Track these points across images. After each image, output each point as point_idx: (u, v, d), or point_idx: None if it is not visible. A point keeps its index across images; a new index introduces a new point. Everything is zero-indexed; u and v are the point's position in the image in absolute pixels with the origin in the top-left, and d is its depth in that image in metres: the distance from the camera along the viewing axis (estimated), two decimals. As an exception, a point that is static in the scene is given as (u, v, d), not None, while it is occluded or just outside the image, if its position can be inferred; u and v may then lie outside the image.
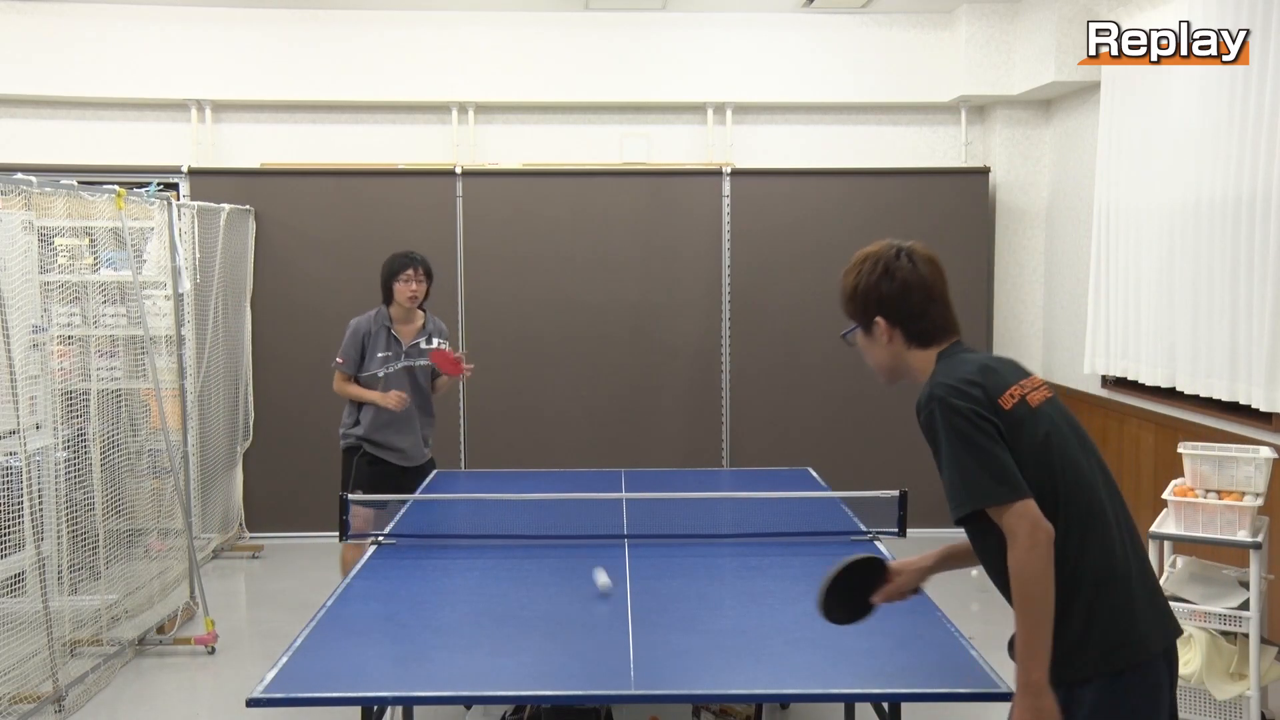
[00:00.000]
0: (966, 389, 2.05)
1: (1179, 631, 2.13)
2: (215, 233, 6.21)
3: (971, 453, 2.01)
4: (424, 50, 6.86)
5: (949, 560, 2.39)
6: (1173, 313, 5.11)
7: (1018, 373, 2.16)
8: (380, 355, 4.78)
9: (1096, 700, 1.99)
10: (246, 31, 6.79)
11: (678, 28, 6.94)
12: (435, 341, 4.85)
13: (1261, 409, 4.43)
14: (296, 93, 6.84)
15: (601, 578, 3.17)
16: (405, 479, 4.83)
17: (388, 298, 4.81)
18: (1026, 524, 1.95)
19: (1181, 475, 4.05)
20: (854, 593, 2.37)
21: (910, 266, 2.18)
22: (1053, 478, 2.03)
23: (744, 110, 7.10)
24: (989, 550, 2.08)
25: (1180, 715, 2.27)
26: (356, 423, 4.84)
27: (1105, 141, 5.76)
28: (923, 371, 2.20)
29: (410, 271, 4.75)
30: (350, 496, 3.85)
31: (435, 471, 5.16)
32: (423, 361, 4.83)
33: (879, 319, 2.20)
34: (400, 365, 4.80)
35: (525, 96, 6.92)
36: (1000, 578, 2.06)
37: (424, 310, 4.91)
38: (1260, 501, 3.84)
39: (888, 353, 2.24)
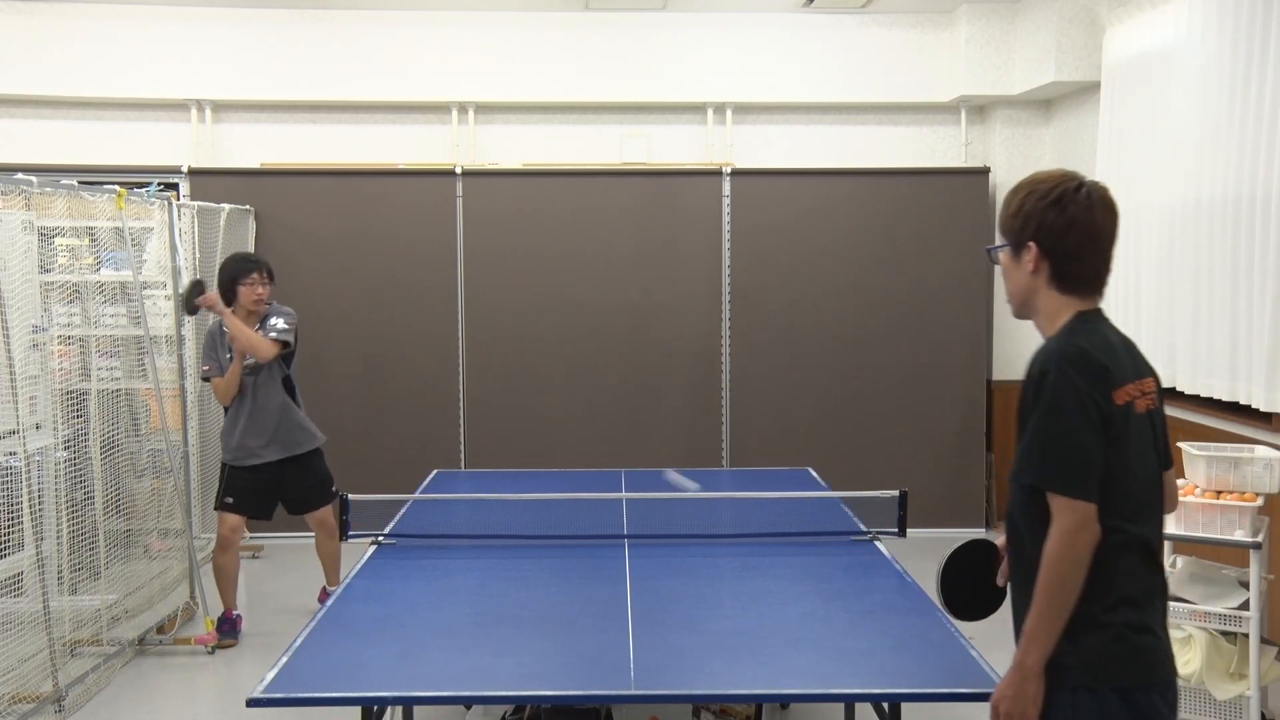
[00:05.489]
0: (1095, 368, 1.99)
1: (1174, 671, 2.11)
2: (215, 233, 6.20)
3: (1067, 433, 1.96)
4: (424, 50, 6.87)
5: None
6: (1173, 312, 5.10)
7: (1139, 369, 2.10)
8: (228, 357, 4.84)
9: (1072, 713, 2.00)
10: (246, 31, 6.79)
11: (678, 28, 6.94)
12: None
13: (1261, 409, 4.43)
14: (296, 93, 6.84)
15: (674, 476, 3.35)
16: (285, 472, 4.90)
17: (230, 300, 4.81)
18: (1075, 520, 1.94)
19: (1181, 475, 4.05)
20: (974, 583, 2.32)
21: (1086, 205, 2.08)
22: (1114, 488, 1.99)
23: (744, 110, 7.10)
24: (1028, 520, 2.06)
25: (1180, 715, 2.27)
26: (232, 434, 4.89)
27: (1105, 141, 5.76)
28: (1049, 320, 2.12)
29: (255, 275, 4.82)
30: (352, 496, 3.84)
31: (436, 472, 5.15)
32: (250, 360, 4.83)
33: (1032, 244, 2.10)
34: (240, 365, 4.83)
35: (525, 96, 6.92)
36: (1033, 547, 2.03)
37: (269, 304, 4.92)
38: (1260, 501, 3.84)
39: (1027, 283, 2.13)
